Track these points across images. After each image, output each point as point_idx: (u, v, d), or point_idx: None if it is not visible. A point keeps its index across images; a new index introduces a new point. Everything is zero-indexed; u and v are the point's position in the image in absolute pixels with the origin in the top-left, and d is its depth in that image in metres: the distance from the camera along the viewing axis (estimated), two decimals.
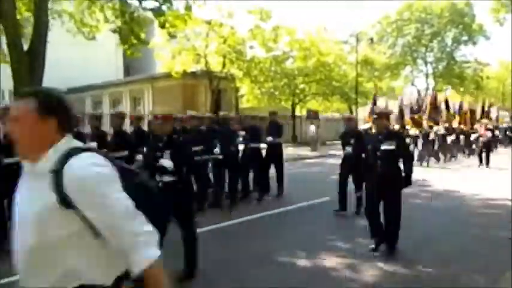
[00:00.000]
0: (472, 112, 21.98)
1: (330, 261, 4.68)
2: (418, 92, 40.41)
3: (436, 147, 15.56)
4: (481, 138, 14.18)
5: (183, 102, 27.13)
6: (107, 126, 7.66)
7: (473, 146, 17.21)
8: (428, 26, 37.98)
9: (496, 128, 22.06)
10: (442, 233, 5.91)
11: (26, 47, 12.28)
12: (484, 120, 16.48)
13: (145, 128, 8.04)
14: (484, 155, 14.21)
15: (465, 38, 38.58)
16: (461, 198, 8.55)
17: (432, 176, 11.56)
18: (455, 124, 18.46)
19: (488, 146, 14.28)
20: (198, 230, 5.81)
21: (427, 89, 39.92)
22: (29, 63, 11.76)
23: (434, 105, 17.95)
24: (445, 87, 40.56)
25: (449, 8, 37.24)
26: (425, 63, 39.73)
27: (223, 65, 23.99)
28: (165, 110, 5.03)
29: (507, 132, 25.96)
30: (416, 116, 15.96)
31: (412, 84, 41.67)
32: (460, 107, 21.19)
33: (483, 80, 39.78)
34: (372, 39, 32.88)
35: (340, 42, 29.34)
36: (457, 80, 38.54)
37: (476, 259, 4.76)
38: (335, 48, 28.17)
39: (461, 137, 17.69)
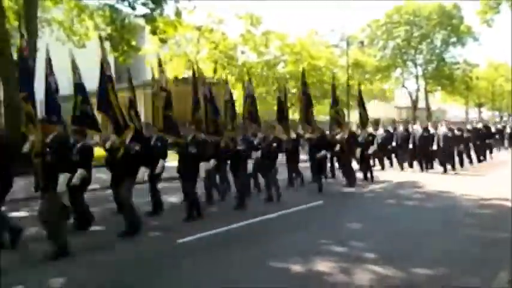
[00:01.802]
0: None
1: (324, 265, 4.68)
2: (410, 94, 40.85)
3: None
4: None
5: (175, 108, 27.05)
6: None
7: None
8: (417, 28, 38.35)
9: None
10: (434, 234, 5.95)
11: (15, 55, 12.19)
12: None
13: None
14: None
15: (454, 39, 39.01)
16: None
17: None
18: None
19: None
20: (192, 237, 5.84)
21: (417, 90, 40.27)
22: (19, 72, 11.68)
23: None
24: (435, 89, 40.93)
25: (437, 10, 37.65)
26: (415, 65, 40.08)
27: (215, 71, 24.01)
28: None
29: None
30: None
31: (403, 86, 42.01)
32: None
33: (472, 80, 40.19)
34: (362, 43, 33.16)
35: (330, 45, 29.51)
36: (447, 82, 38.90)
37: (471, 259, 4.79)
38: (326, 52, 28.36)
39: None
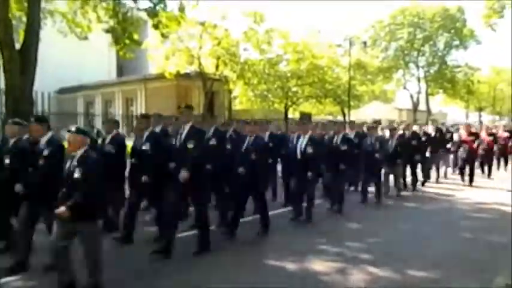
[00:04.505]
0: None
1: (320, 265, 4.69)
2: (411, 96, 40.82)
3: None
4: None
5: (177, 103, 27.07)
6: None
7: None
8: (420, 30, 38.27)
9: None
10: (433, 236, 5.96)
11: (18, 46, 12.16)
12: None
13: None
14: None
15: (456, 42, 38.94)
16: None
17: None
18: None
19: None
20: (185, 234, 5.84)
21: (419, 92, 40.23)
22: (21, 62, 11.66)
23: None
24: (436, 91, 40.88)
25: (441, 12, 37.58)
26: (417, 67, 40.01)
27: (217, 67, 23.97)
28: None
29: None
30: None
31: (404, 88, 41.96)
32: None
33: (474, 84, 40.13)
34: (365, 43, 33.05)
35: (333, 45, 29.43)
36: (449, 84, 38.85)
37: (468, 262, 4.81)
38: (328, 52, 28.28)
39: None
